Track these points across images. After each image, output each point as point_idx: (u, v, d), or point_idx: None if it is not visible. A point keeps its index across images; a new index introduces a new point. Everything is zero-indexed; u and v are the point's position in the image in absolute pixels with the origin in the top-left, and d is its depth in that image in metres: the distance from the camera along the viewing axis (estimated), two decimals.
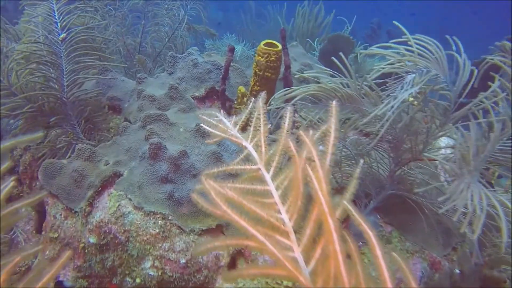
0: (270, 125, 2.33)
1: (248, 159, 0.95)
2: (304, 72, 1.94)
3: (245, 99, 2.42)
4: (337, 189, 1.90)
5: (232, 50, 2.20)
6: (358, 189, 0.90)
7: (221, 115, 1.10)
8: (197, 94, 2.34)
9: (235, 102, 2.44)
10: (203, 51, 4.32)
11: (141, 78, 2.37)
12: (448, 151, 1.83)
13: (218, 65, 2.44)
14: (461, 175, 1.39)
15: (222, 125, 1.09)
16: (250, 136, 0.99)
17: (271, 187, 0.83)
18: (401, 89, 1.57)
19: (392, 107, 1.43)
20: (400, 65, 1.55)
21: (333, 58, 1.73)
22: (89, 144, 2.04)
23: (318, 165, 0.76)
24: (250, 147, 0.97)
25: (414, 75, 1.57)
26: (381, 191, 1.85)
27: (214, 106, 2.42)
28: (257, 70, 2.15)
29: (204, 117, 1.08)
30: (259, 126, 0.98)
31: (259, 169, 0.90)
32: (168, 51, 3.28)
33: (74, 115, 2.04)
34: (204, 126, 1.13)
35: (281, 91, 1.74)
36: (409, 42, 1.63)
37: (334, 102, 0.85)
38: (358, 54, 4.31)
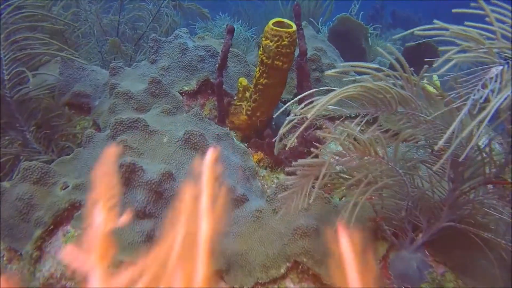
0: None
1: None
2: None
3: (247, 93, 1.92)
4: (373, 219, 1.43)
5: (231, 31, 1.69)
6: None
7: None
8: (186, 89, 1.84)
9: (235, 98, 1.94)
10: (193, 34, 3.79)
11: (115, 69, 1.85)
12: None
13: (213, 51, 1.93)
14: None
15: None
16: None
17: None
18: (483, 88, 1.08)
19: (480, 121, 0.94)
20: (484, 52, 1.05)
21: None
22: (45, 158, 1.53)
23: None
24: None
25: (501, 67, 1.08)
26: (434, 222, 1.37)
27: (209, 102, 1.92)
28: (264, 58, 1.65)
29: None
30: None
31: None
32: (152, 33, 2.75)
33: (23, 118, 1.53)
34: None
35: (308, 93, 1.23)
36: (487, 19, 1.13)
37: None
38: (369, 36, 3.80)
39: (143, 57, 2.58)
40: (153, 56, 1.89)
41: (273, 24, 1.64)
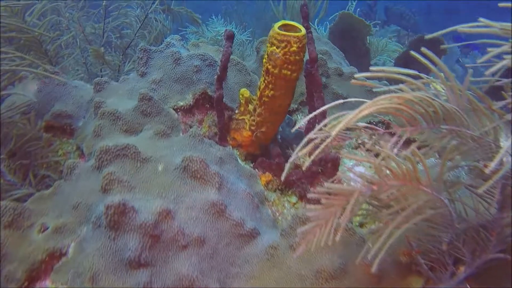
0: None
1: None
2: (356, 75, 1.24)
3: (250, 106, 1.71)
4: (408, 253, 1.22)
5: (231, 37, 1.48)
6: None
7: None
8: (181, 104, 1.62)
9: (237, 112, 1.73)
10: (186, 40, 3.57)
11: (100, 84, 1.63)
12: None
13: (210, 60, 1.72)
14: None
15: None
16: None
17: None
18: None
19: None
20: None
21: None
22: (21, 192, 1.32)
23: None
24: None
25: None
26: (480, 254, 1.17)
27: (207, 118, 1.70)
28: (269, 67, 1.44)
29: None
30: None
31: None
32: (140, 41, 2.53)
33: None
34: None
35: (324, 108, 1.02)
36: None
37: None
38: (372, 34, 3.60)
39: (131, 67, 2.36)
40: (142, 68, 1.67)
41: (279, 27, 1.43)
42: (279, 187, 1.59)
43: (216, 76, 1.53)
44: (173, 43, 1.73)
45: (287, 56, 1.40)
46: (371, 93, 2.20)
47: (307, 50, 1.48)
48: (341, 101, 1.02)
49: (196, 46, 1.91)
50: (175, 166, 1.23)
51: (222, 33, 3.08)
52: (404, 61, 3.29)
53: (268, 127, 1.65)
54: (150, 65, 1.68)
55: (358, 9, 4.91)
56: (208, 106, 1.69)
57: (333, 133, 0.95)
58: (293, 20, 5.00)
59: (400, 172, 0.97)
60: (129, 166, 1.20)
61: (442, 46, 3.21)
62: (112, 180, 1.12)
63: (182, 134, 1.52)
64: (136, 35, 2.51)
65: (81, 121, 1.64)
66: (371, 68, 1.04)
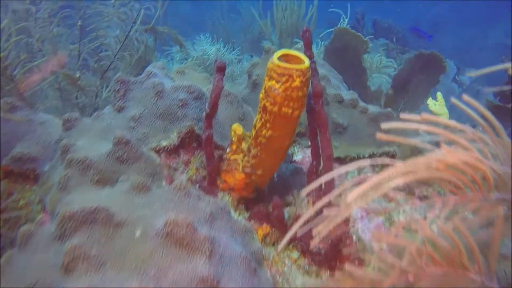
0: None
1: None
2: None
3: (243, 144, 1.50)
4: None
5: (222, 69, 1.27)
6: None
7: None
8: (165, 144, 1.40)
9: (228, 151, 1.51)
10: (171, 59, 3.35)
11: (70, 121, 1.40)
12: None
13: (198, 92, 1.50)
14: None
15: None
16: None
17: None
18: None
19: None
20: None
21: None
22: None
23: None
24: None
25: None
26: None
27: (195, 159, 1.48)
28: (267, 104, 1.23)
29: None
30: None
31: None
32: (121, 63, 2.31)
33: None
34: None
35: (350, 167, 0.81)
36: None
37: None
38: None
39: (110, 95, 2.14)
40: (119, 102, 1.45)
41: (278, 57, 1.22)
42: (278, 240, 1.38)
43: (204, 113, 1.32)
44: (155, 72, 1.51)
45: (289, 92, 1.19)
46: (374, 122, 2.01)
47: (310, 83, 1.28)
48: (365, 162, 0.81)
49: (182, 73, 1.70)
50: (156, 231, 1.01)
51: (209, 53, 2.88)
52: (403, 81, 3.12)
53: (265, 170, 1.43)
54: (129, 99, 1.46)
55: (348, 25, 4.77)
56: (195, 145, 1.47)
57: (346, 211, 0.75)
58: (281, 37, 4.79)
59: (441, 255, 0.77)
60: (99, 234, 0.97)
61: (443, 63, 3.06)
62: (76, 257, 0.90)
63: (165, 182, 1.29)
64: (116, 57, 2.29)
65: (48, 164, 1.40)
66: (404, 116, 0.84)
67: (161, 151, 1.40)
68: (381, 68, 3.72)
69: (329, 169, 1.32)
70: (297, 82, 1.18)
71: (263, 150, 1.36)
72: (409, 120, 0.77)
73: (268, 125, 1.28)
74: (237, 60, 3.19)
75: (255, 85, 2.08)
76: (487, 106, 2.75)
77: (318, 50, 3.53)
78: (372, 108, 2.17)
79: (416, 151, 2.04)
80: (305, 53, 1.32)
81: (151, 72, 1.50)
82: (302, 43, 3.26)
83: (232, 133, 1.48)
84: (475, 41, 11.32)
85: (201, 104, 1.49)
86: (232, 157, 1.51)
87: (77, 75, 2.15)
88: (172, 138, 1.42)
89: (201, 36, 2.98)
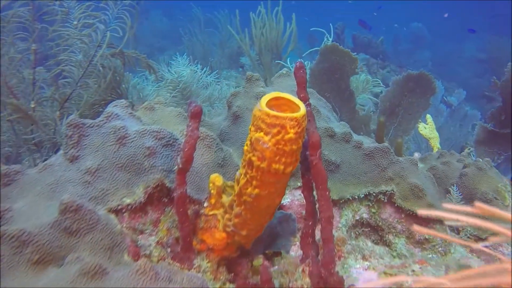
0: None
1: None
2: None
3: (224, 198, 1.25)
4: None
5: (197, 115, 1.03)
6: None
7: None
8: (128, 201, 1.15)
9: (206, 205, 1.27)
10: (145, 81, 3.09)
11: (9, 175, 1.14)
12: None
13: (168, 138, 1.25)
14: None
15: None
16: None
17: None
18: None
19: None
20: None
21: None
22: None
23: None
24: None
25: None
26: None
27: (165, 218, 1.23)
28: (254, 159, 1.00)
29: None
30: None
31: None
32: (82, 92, 2.05)
33: None
34: None
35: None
36: None
37: None
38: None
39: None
40: (72, 150, 1.19)
41: (267, 102, 0.99)
42: None
43: (176, 168, 1.07)
44: (116, 113, 1.25)
45: (281, 146, 0.96)
46: (370, 159, 1.80)
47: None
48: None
49: (151, 110, 1.45)
50: None
51: (184, 75, 2.63)
52: (392, 104, 2.94)
53: (250, 231, 1.19)
54: (84, 146, 1.20)
55: (329, 41, 4.59)
56: (166, 200, 1.22)
57: None
58: (261, 53, 4.56)
59: None
60: None
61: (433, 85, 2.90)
62: None
63: (128, 255, 1.04)
64: (78, 84, 2.02)
65: None
66: (447, 207, 0.61)
67: (123, 210, 1.14)
68: (367, 88, 3.54)
69: (329, 233, 1.09)
70: (291, 134, 0.95)
71: (248, 210, 1.12)
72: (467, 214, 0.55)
73: (254, 182, 1.04)
74: (216, 82, 2.95)
75: (236, 118, 1.84)
76: (480, 132, 2.59)
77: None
78: (367, 142, 1.96)
79: (416, 191, 1.84)
80: (299, 95, 1.09)
81: (112, 113, 1.24)
82: (285, 68, 3.05)
83: (211, 184, 1.23)
84: (451, 55, 11.44)
85: (172, 152, 1.24)
86: (211, 213, 1.26)
87: (32, 105, 1.88)
88: (137, 194, 1.16)
89: (178, 56, 2.73)
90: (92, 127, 1.21)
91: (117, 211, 1.14)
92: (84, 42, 1.96)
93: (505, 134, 2.45)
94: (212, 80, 2.83)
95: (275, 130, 0.94)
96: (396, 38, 9.49)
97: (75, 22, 1.97)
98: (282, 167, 0.99)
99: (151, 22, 10.48)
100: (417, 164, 1.94)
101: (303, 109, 0.97)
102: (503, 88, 2.31)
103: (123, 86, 2.57)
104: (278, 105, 1.02)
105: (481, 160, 2.17)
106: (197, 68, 2.61)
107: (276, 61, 4.59)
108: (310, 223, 1.17)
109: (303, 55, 4.52)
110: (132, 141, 1.20)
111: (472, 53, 11.46)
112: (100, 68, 1.99)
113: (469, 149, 3.85)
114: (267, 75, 5.06)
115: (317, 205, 1.13)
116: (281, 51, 5.15)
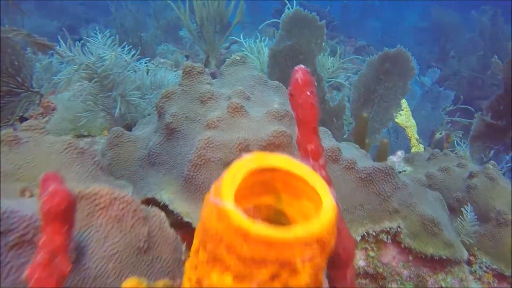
0: None
1: None
2: None
3: None
4: None
5: (58, 215, 0.42)
6: None
7: None
8: None
9: None
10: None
11: None
12: None
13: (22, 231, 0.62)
14: None
15: None
16: None
17: None
18: None
19: None
20: None
21: None
22: None
23: None
24: None
25: None
26: None
27: None
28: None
29: None
30: None
31: None
32: None
33: None
34: None
35: None
36: None
37: None
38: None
39: None
40: None
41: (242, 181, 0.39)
42: None
43: None
44: None
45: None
46: (367, 184, 1.27)
47: None
48: None
49: (14, 144, 0.80)
50: None
51: (105, 58, 1.92)
52: (367, 91, 2.43)
53: None
54: None
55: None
56: None
57: None
58: (202, 25, 3.92)
59: None
60: None
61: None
62: None
63: None
64: None
65: None
66: None
67: None
68: (335, 71, 2.99)
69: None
70: (304, 277, 0.36)
71: None
72: None
73: None
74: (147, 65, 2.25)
75: (170, 132, 1.23)
76: (478, 126, 2.15)
77: (262, 56, 2.69)
78: (358, 156, 1.42)
79: (430, 226, 1.35)
80: (305, 144, 0.50)
81: None
82: (237, 40, 2.40)
83: None
84: (393, 23, 11.22)
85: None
86: None
87: None
88: None
89: (97, 33, 1.98)
90: None
91: None
92: None
93: (503, 127, 2.02)
94: (145, 64, 2.13)
95: (265, 273, 0.35)
96: (345, 8, 9.01)
97: None
98: None
99: None
100: (426, 185, 1.43)
101: (330, 204, 0.38)
102: (506, 73, 1.86)
103: (25, 72, 1.89)
104: (264, 182, 0.43)
105: (491, 167, 1.71)
106: (124, 51, 1.91)
107: (230, 38, 3.92)
108: None
109: (259, 27, 3.86)
110: None
111: (414, 21, 11.32)
112: None
113: (441, 133, 3.47)
114: (210, 51, 4.41)
115: None
116: (225, 23, 4.46)
